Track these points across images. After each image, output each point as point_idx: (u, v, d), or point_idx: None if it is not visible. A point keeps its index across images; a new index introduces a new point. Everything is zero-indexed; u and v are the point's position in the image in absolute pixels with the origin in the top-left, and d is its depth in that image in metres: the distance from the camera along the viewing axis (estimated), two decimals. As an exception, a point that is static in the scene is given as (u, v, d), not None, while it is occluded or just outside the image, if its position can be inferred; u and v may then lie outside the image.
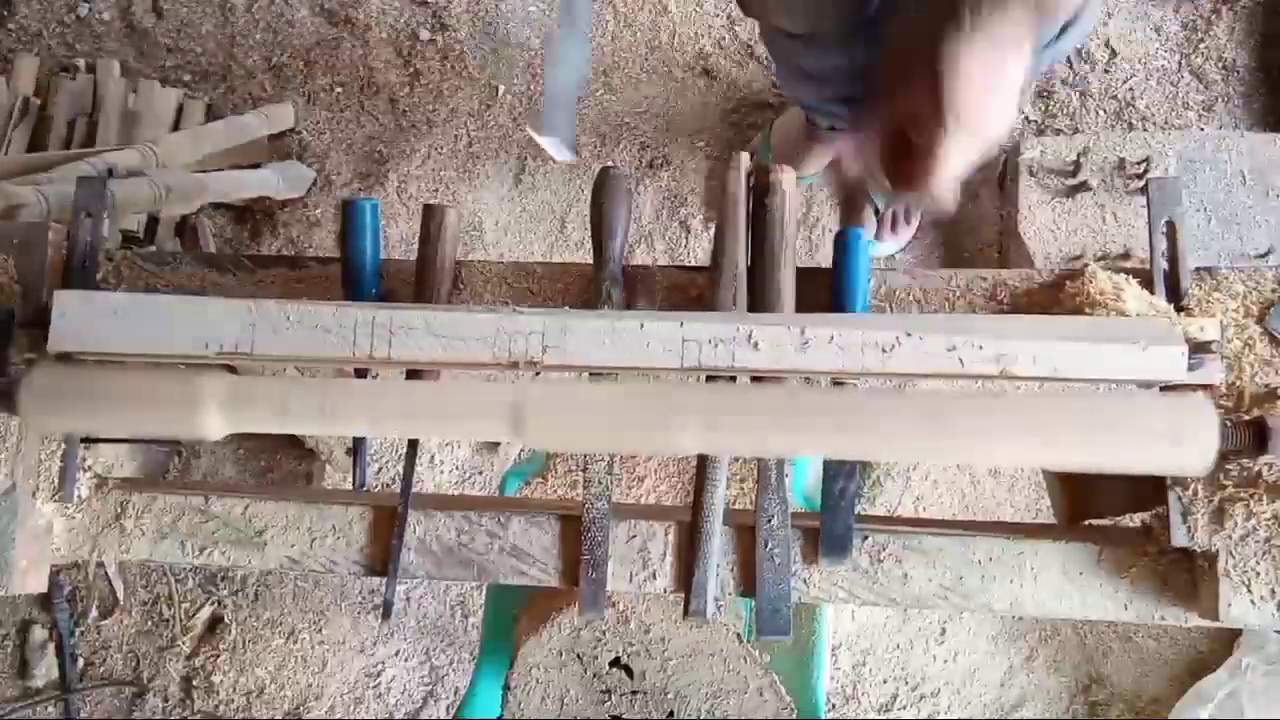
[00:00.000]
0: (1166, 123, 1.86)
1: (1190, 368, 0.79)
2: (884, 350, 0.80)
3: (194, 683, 1.83)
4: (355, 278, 0.92)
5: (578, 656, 0.91)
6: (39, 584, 0.90)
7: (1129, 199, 1.63)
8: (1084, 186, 1.62)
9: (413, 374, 0.88)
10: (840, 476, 0.85)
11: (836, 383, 0.85)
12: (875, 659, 1.75)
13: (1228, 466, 0.80)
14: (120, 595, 1.85)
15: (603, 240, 0.90)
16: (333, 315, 0.83)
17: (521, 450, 1.75)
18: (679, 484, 1.13)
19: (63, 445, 0.90)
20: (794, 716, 0.90)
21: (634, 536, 0.87)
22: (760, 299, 0.85)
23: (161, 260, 0.96)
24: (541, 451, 1.20)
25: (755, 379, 0.85)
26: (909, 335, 0.79)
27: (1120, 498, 0.90)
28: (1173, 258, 0.85)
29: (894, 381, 1.43)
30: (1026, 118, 1.87)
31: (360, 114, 2.00)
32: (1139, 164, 1.63)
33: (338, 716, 1.81)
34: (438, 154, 1.96)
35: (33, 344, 0.88)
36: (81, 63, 1.96)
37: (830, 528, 0.85)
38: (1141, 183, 1.62)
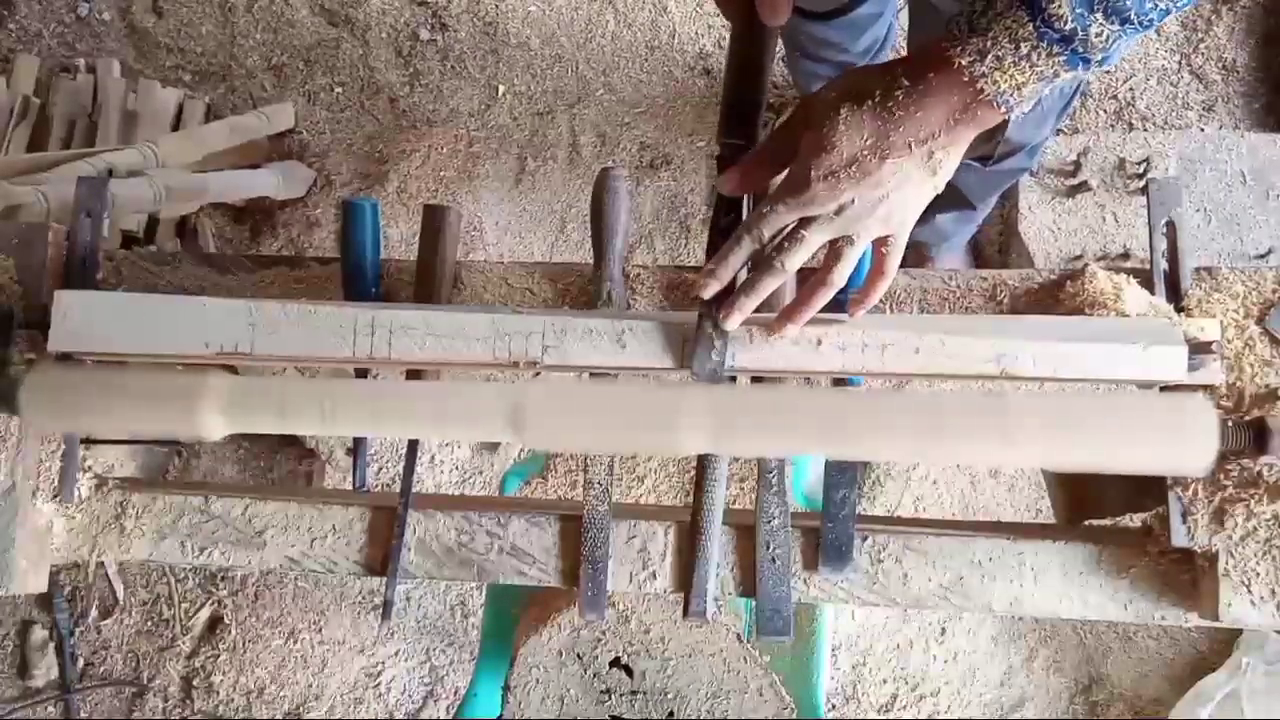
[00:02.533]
0: (1166, 123, 1.86)
1: (1190, 368, 0.79)
2: (884, 350, 0.80)
3: (194, 683, 1.83)
4: (355, 278, 0.92)
5: (578, 656, 0.91)
6: (39, 584, 0.90)
7: (1129, 199, 1.62)
8: (1084, 186, 1.62)
9: (413, 374, 0.88)
10: (841, 485, 0.85)
11: (837, 382, 0.85)
12: (875, 659, 1.75)
13: (1228, 467, 0.80)
14: (120, 595, 1.85)
15: (603, 240, 0.90)
16: (333, 315, 0.83)
17: (521, 450, 1.75)
18: (679, 484, 1.13)
19: (63, 445, 0.90)
20: (794, 716, 0.90)
21: (634, 536, 0.87)
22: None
23: (161, 260, 0.96)
24: (541, 451, 1.20)
25: (755, 379, 0.85)
26: (909, 335, 0.79)
27: (1120, 498, 0.90)
28: (1173, 258, 0.85)
29: (894, 381, 1.43)
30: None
31: (360, 114, 2.00)
32: (1139, 164, 1.63)
33: (338, 716, 1.81)
34: (438, 154, 1.96)
35: (33, 344, 0.88)
36: (81, 63, 1.96)
37: (831, 536, 0.84)
38: (1141, 183, 1.62)
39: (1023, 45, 0.62)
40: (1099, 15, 0.60)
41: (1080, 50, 0.62)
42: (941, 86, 0.66)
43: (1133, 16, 0.60)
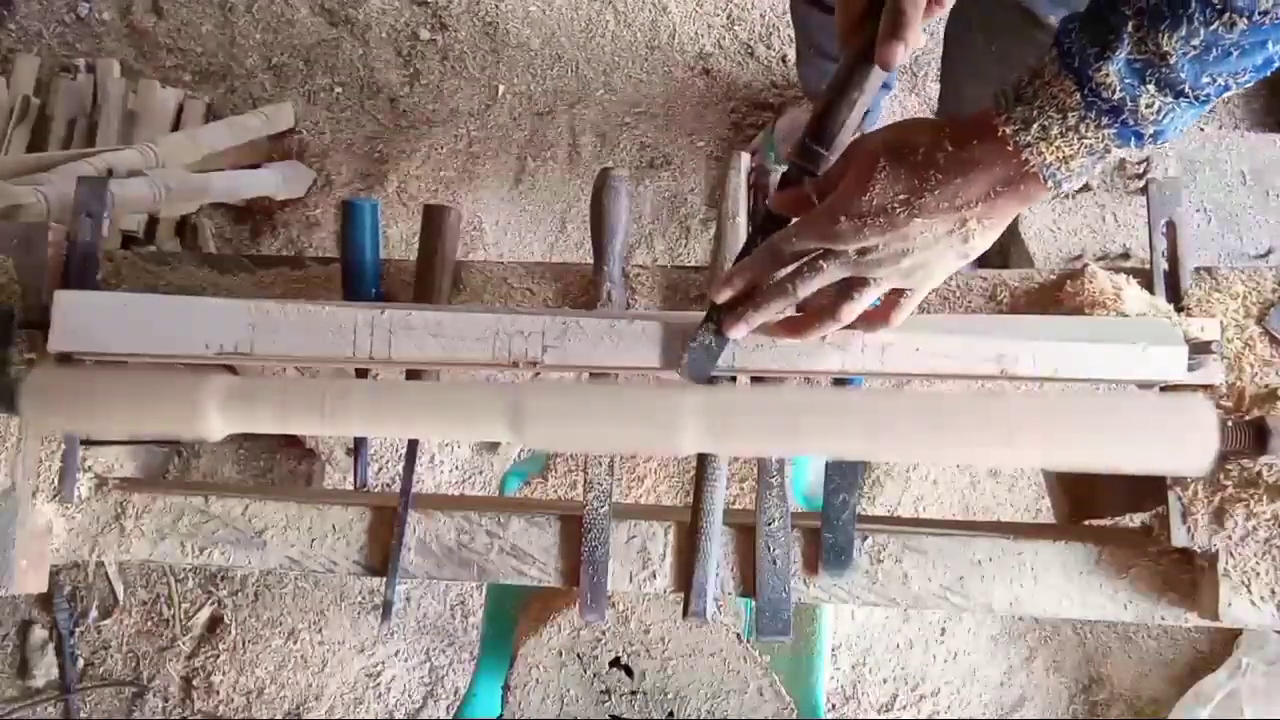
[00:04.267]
0: (1166, 123, 1.85)
1: (1190, 368, 0.79)
2: (884, 350, 0.80)
3: (194, 683, 1.83)
4: (355, 278, 0.92)
5: (578, 656, 0.91)
6: (39, 584, 0.90)
7: (1129, 199, 1.62)
8: (1084, 186, 1.62)
9: (413, 374, 0.88)
10: (842, 489, 0.85)
11: (837, 383, 0.85)
12: (875, 659, 1.75)
13: (1228, 467, 0.80)
14: (120, 595, 1.85)
15: (603, 240, 0.90)
16: (333, 315, 0.83)
17: (521, 450, 1.75)
18: (679, 484, 1.13)
19: (63, 445, 0.90)
20: (794, 716, 0.90)
21: (634, 536, 0.87)
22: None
23: (161, 260, 0.96)
24: (541, 451, 1.20)
25: (755, 379, 0.85)
26: (909, 335, 0.80)
27: (1120, 498, 0.90)
28: (1173, 258, 0.85)
29: (893, 381, 1.43)
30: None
31: (360, 114, 2.00)
32: (1139, 164, 1.63)
33: (338, 716, 1.81)
34: (438, 154, 1.96)
35: (33, 344, 0.88)
36: (81, 63, 1.95)
37: (831, 541, 0.84)
38: (1141, 183, 1.62)
39: (1070, 115, 0.60)
40: (1150, 86, 0.58)
41: (1131, 123, 0.60)
42: (985, 155, 0.64)
43: (1187, 90, 0.58)
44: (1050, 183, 0.63)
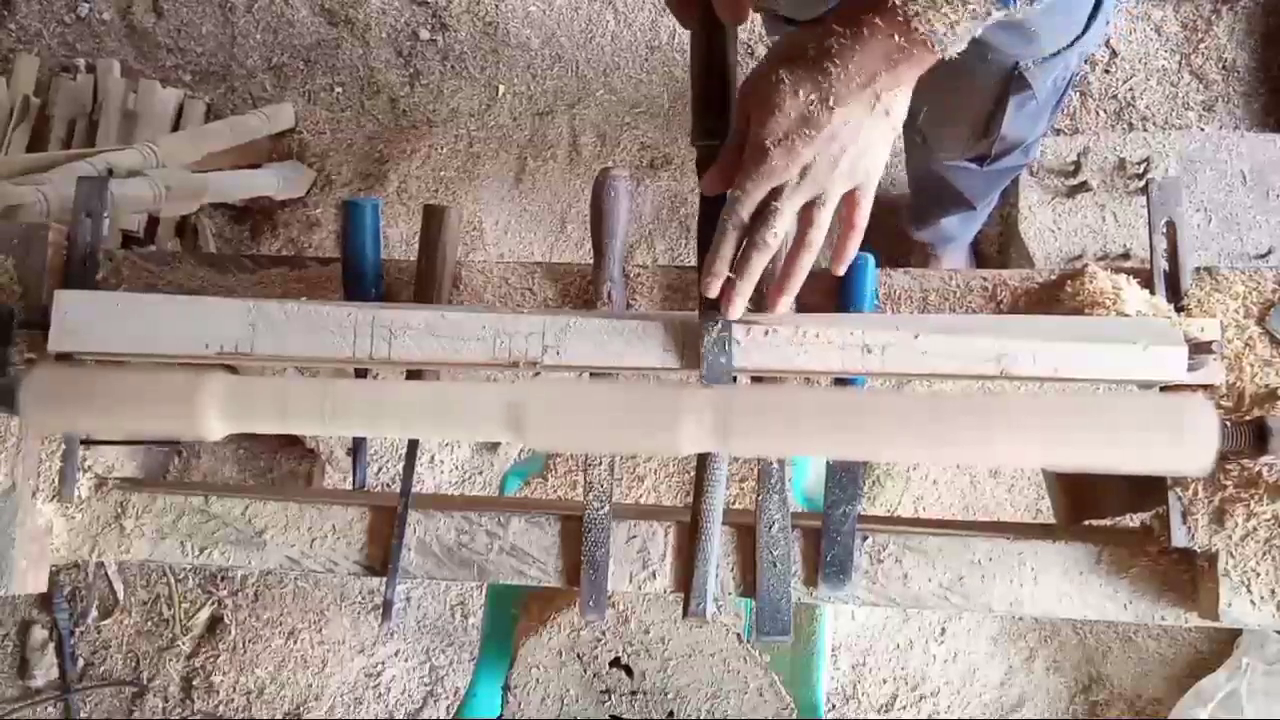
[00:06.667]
0: (1166, 123, 1.86)
1: (1190, 368, 0.79)
2: (884, 350, 0.80)
3: (194, 683, 1.83)
4: (355, 278, 0.92)
5: (578, 656, 0.91)
6: (39, 584, 0.90)
7: (1129, 199, 1.62)
8: (1084, 186, 1.62)
9: (413, 374, 0.88)
10: (843, 502, 0.85)
11: (839, 382, 0.85)
12: (875, 659, 1.75)
13: (1228, 467, 0.80)
14: (120, 595, 1.85)
15: (603, 240, 0.90)
16: (333, 315, 0.83)
17: (521, 450, 1.75)
18: (679, 484, 1.13)
19: (63, 445, 0.90)
20: (794, 716, 0.90)
21: (634, 537, 0.87)
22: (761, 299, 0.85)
23: (161, 260, 0.96)
24: (541, 451, 1.20)
25: (755, 379, 0.85)
26: (909, 335, 0.80)
27: (1120, 498, 0.90)
28: (1173, 258, 0.85)
29: (893, 381, 1.43)
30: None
31: (360, 114, 2.00)
32: (1139, 164, 1.63)
33: (338, 716, 1.81)
34: (438, 154, 1.96)
35: (33, 344, 0.88)
36: (81, 63, 1.95)
37: (831, 553, 0.84)
38: (1141, 183, 1.62)
39: None
40: None
41: None
42: (877, 29, 0.66)
43: None
44: (938, 48, 0.66)
